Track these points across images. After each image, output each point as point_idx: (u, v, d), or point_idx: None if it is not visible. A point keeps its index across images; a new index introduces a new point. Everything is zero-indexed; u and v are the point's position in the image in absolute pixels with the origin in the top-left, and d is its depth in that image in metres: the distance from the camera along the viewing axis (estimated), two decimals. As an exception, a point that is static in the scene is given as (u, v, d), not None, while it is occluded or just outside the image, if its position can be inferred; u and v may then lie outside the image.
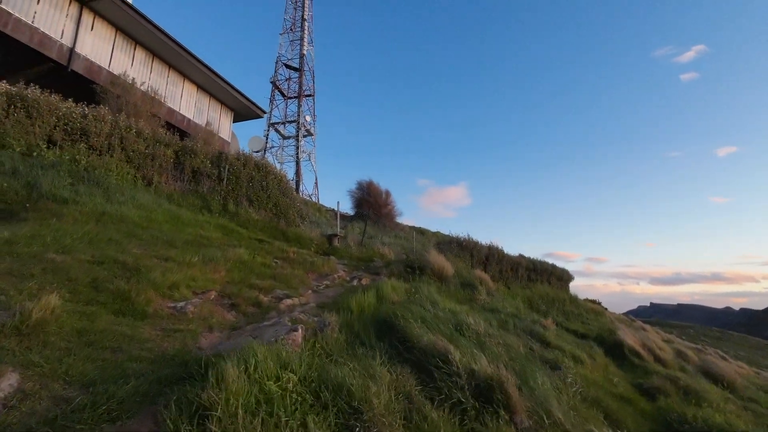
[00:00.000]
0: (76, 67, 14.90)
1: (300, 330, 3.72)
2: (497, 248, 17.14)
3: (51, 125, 7.89)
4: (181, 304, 3.97)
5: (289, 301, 5.09)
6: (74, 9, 15.22)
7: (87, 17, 15.62)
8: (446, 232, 24.31)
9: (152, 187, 8.58)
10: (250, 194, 10.26)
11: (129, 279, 3.89)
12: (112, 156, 8.14)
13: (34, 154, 6.90)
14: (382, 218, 19.24)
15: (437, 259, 9.74)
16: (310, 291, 6.18)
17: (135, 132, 8.78)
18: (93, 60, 15.59)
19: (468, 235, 15.60)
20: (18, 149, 7.00)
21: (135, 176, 8.43)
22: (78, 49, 15.12)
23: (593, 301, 24.08)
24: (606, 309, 24.00)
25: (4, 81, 9.03)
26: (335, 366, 3.19)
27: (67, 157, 7.24)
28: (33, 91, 7.88)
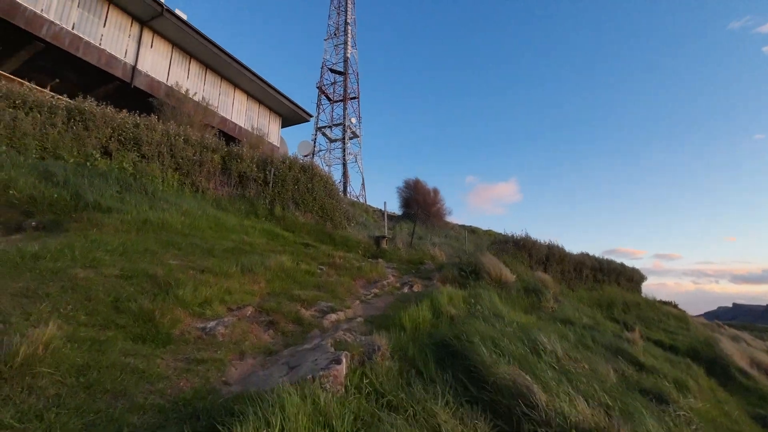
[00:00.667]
0: (138, 83, 15.60)
1: (344, 361, 3.02)
2: (558, 247, 15.51)
3: (106, 136, 7.97)
4: (212, 324, 3.43)
5: (333, 316, 4.42)
6: (135, 29, 15.97)
7: (147, 36, 16.33)
8: (499, 231, 22.83)
9: (199, 193, 8.46)
10: (296, 197, 9.91)
11: (156, 296, 3.42)
12: (162, 163, 8.10)
13: (88, 163, 6.94)
14: (430, 217, 18.30)
15: (495, 262, 8.67)
16: (357, 301, 5.50)
17: (183, 139, 8.72)
18: (153, 76, 16.26)
19: (525, 234, 14.20)
20: (72, 160, 7.07)
21: (183, 182, 8.35)
22: (140, 66, 15.83)
23: (668, 303, 21.34)
24: (685, 312, 21.15)
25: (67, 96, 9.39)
26: (388, 413, 2.43)
27: (117, 166, 7.24)
28: (90, 104, 8.03)
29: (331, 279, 6.02)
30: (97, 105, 8.07)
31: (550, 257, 15.02)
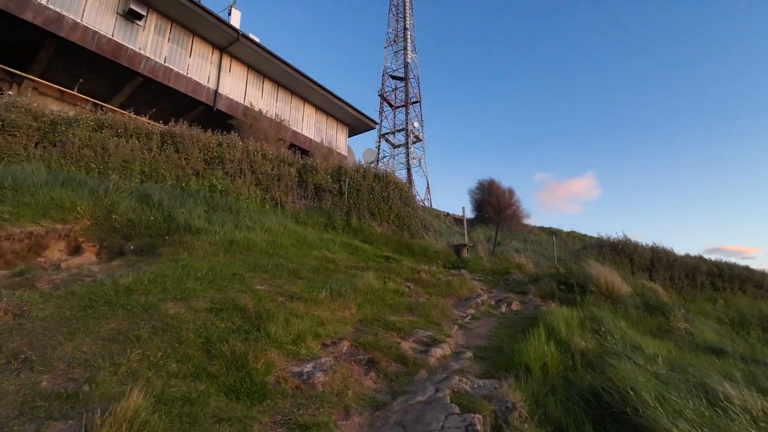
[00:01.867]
0: (220, 105, 16.48)
1: (479, 429, 2.26)
2: (664, 250, 13.24)
3: (195, 157, 8.18)
4: (309, 367, 2.87)
5: (438, 351, 3.67)
6: (216, 56, 16.93)
7: (226, 61, 17.25)
8: (582, 232, 20.43)
9: (279, 208, 8.33)
10: (371, 207, 9.44)
11: (247, 334, 2.96)
12: (243, 180, 8.11)
13: (183, 184, 7.08)
14: (506, 220, 16.86)
15: (604, 272, 7.27)
16: (455, 327, 4.70)
17: (261, 155, 8.71)
18: (232, 97, 17.12)
19: (623, 235, 12.25)
20: (170, 182, 7.26)
21: (264, 198, 8.29)
22: (220, 90, 16.74)
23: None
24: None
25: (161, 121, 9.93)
26: None
27: (207, 185, 7.32)
28: (180, 127, 8.31)
29: (422, 299, 5.30)
30: (177, 124, 8.32)
31: (656, 262, 12.84)
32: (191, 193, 6.74)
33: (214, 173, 7.86)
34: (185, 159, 7.88)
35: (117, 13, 14.35)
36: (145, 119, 9.99)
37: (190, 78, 16.06)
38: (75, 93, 15.14)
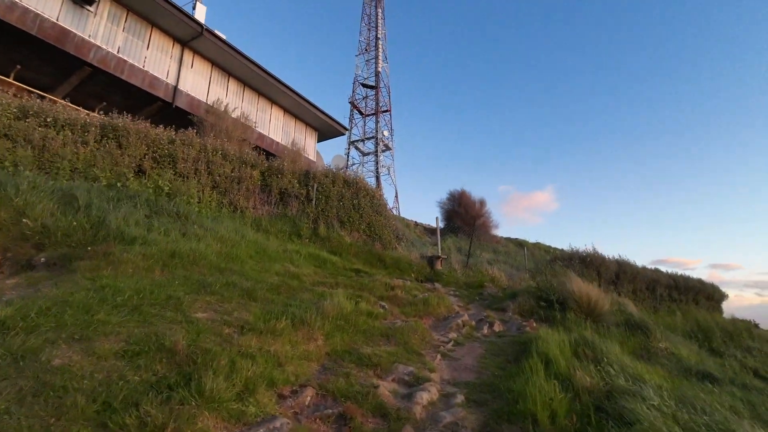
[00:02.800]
0: (180, 102, 15.08)
1: None
2: (629, 263, 13.38)
3: (140, 153, 7.03)
4: (258, 436, 2.05)
5: (424, 396, 2.94)
6: (177, 50, 15.54)
7: (188, 57, 15.89)
8: (546, 243, 20.66)
9: (238, 213, 7.34)
10: (341, 215, 8.63)
11: (172, 390, 2.09)
12: (199, 182, 7.06)
13: (119, 184, 5.96)
14: (476, 231, 16.60)
15: (585, 288, 6.90)
16: (438, 356, 4.00)
17: (221, 154, 7.68)
18: (193, 95, 15.75)
19: (593, 248, 12.21)
20: (104, 181, 6.11)
21: (221, 202, 7.27)
22: (181, 86, 15.35)
23: (745, 321, 18.35)
24: None
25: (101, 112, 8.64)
26: None
27: (151, 186, 6.23)
28: (124, 120, 7.15)
29: (398, 323, 4.56)
30: (120, 117, 7.16)
31: (621, 275, 12.92)
32: (132, 195, 5.65)
33: (163, 173, 6.76)
34: (129, 156, 6.73)
35: (63, -6, 12.75)
36: (81, 110, 8.66)
37: (147, 71, 14.60)
38: (10, 80, 13.26)
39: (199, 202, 6.58)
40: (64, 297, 2.73)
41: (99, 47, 13.21)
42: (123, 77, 13.78)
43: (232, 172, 7.69)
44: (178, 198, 6.17)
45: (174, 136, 7.41)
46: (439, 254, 9.48)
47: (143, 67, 14.39)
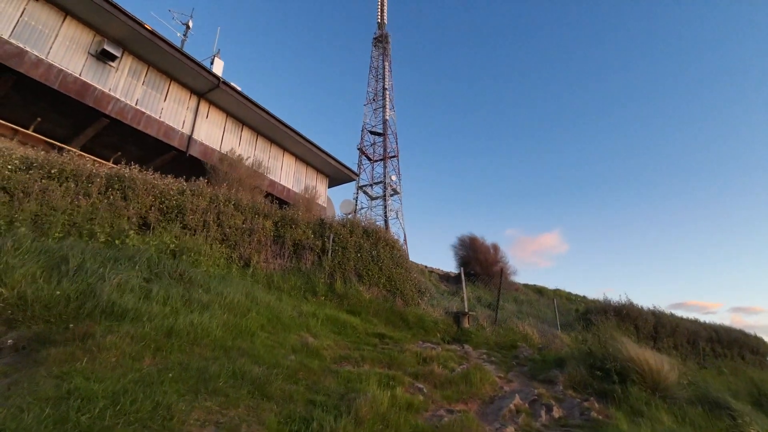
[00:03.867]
0: (193, 151, 14.93)
1: None
2: (667, 314, 12.17)
3: (147, 205, 6.43)
4: None
5: None
6: (193, 102, 15.69)
7: (203, 107, 16.02)
8: (567, 290, 19.31)
9: (250, 269, 6.57)
10: (358, 267, 7.80)
11: None
12: (206, 235, 6.37)
13: (117, 242, 5.27)
14: (495, 278, 15.55)
15: (644, 355, 5.83)
16: (503, 470, 3.02)
17: (234, 204, 7.07)
18: (207, 144, 15.67)
19: (627, 299, 11.11)
20: (103, 238, 5.43)
21: (230, 257, 6.54)
22: (195, 135, 15.32)
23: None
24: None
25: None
26: None
27: (155, 243, 5.54)
28: (131, 169, 6.64)
29: (443, 415, 3.58)
30: (139, 171, 6.66)
31: (659, 328, 11.67)
32: (131, 255, 4.93)
33: (169, 227, 6.11)
34: (133, 208, 6.13)
35: (88, 53, 13.04)
36: (89, 157, 8.29)
37: (163, 122, 14.60)
38: (29, 132, 13.24)
39: (207, 259, 5.85)
40: (2, 422, 1.90)
41: (118, 99, 13.29)
42: (139, 127, 13.74)
43: (243, 223, 7.03)
44: (184, 255, 5.44)
45: (184, 187, 6.86)
46: (466, 310, 8.47)
47: (159, 117, 14.42)
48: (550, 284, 22.34)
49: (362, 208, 35.62)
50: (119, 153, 15.26)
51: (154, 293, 4.12)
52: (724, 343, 12.89)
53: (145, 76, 14.24)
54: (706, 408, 5.17)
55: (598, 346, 6.38)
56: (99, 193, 6.18)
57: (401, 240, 34.06)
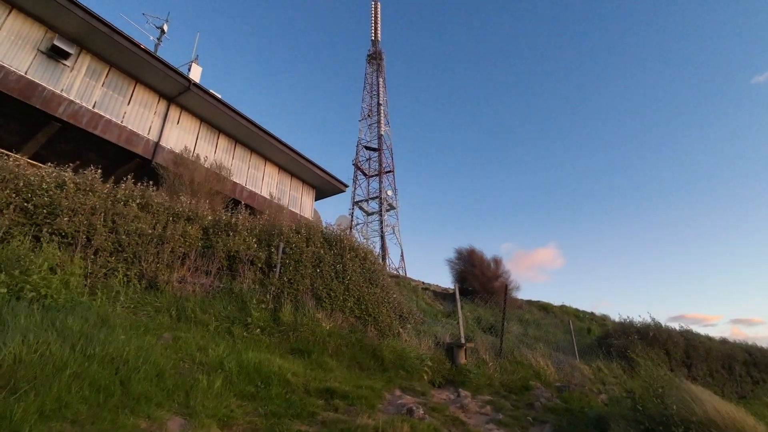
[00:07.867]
0: (160, 159, 12.90)
1: None
2: (699, 336, 9.73)
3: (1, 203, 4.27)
4: None
5: None
6: (162, 106, 13.78)
7: (174, 112, 14.08)
8: (573, 306, 16.82)
9: (152, 291, 4.36)
10: (317, 287, 5.47)
11: None
12: (88, 246, 4.17)
13: None
14: (493, 295, 13.18)
15: (728, 412, 3.53)
16: None
17: (138, 204, 4.87)
18: (177, 152, 13.68)
19: (653, 321, 8.71)
20: None
21: (126, 274, 4.34)
22: (163, 142, 13.33)
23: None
24: None
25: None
26: None
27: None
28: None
29: None
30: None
31: (691, 352, 9.22)
32: None
33: (34, 232, 3.94)
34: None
35: (38, 49, 11.15)
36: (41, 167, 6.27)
37: (125, 127, 12.56)
38: (-30, 139, 11.22)
39: (63, 282, 3.61)
40: None
41: (72, 101, 11.32)
42: (96, 132, 11.74)
43: (152, 228, 4.82)
44: (30, 285, 3.17)
45: (67, 178, 4.71)
46: (462, 340, 6.08)
47: (121, 122, 12.43)
48: (550, 299, 19.75)
49: (358, 224, 33.48)
50: (77, 162, 13.24)
51: None
52: (760, 367, 10.41)
53: (106, 77, 12.36)
54: None
55: (650, 395, 4.05)
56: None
57: (398, 256, 31.67)
